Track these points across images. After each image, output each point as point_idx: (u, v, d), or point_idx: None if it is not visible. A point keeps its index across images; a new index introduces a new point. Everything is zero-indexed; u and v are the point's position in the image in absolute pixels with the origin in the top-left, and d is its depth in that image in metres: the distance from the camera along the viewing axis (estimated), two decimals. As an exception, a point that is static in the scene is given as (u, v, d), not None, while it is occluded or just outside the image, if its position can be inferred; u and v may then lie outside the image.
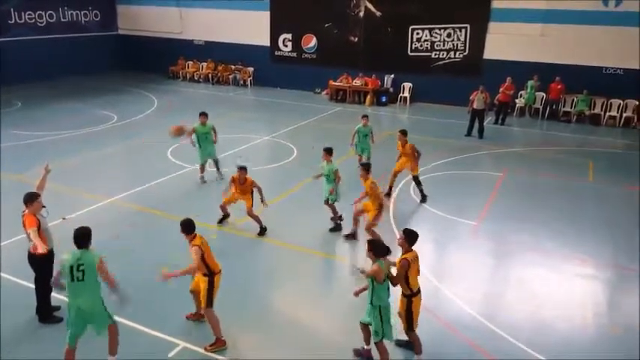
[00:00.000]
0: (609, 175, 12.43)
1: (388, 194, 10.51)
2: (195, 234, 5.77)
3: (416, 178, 10.44)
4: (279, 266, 7.98)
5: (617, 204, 10.69)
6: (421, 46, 20.08)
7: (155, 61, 25.01)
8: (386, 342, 5.56)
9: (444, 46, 19.70)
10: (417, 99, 20.48)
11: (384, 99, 20.34)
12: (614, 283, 7.85)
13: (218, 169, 11.31)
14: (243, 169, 8.67)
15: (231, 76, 23.67)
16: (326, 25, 21.65)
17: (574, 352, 6.10)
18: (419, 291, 5.70)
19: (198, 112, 11.10)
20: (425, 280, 6.93)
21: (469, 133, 15.69)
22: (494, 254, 8.63)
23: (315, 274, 7.89)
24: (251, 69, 23.44)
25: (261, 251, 8.42)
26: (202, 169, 11.16)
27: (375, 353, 5.68)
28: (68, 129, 15.10)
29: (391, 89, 20.73)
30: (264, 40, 22.94)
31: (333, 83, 21.17)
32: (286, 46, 22.75)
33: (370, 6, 20.68)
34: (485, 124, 15.74)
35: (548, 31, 17.80)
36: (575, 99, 17.96)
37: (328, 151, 9.02)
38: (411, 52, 20.25)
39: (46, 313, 6.32)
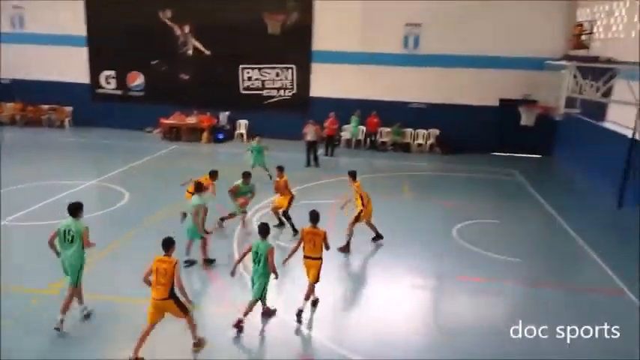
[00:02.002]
0: (420, 193, 14.67)
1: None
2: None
3: (285, 213, 11.01)
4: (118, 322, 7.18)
5: (429, 216, 12.57)
6: (252, 84, 20.78)
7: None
8: None
9: (273, 84, 20.71)
10: (254, 134, 20.91)
11: (220, 136, 20.34)
12: (438, 290, 9.01)
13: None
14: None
15: (44, 117, 21.05)
16: (152, 62, 20.93)
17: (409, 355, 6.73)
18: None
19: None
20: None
21: (308, 164, 16.77)
22: (337, 277, 9.13)
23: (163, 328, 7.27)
24: (69, 108, 21.23)
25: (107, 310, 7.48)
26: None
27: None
28: None
29: (227, 126, 20.85)
30: (84, 78, 21.12)
31: (165, 121, 20.41)
32: (109, 83, 21.30)
33: (199, 45, 20.71)
34: (318, 154, 16.93)
35: (363, 71, 20.07)
36: (389, 130, 20.50)
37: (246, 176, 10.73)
38: (243, 90, 20.76)
39: None
